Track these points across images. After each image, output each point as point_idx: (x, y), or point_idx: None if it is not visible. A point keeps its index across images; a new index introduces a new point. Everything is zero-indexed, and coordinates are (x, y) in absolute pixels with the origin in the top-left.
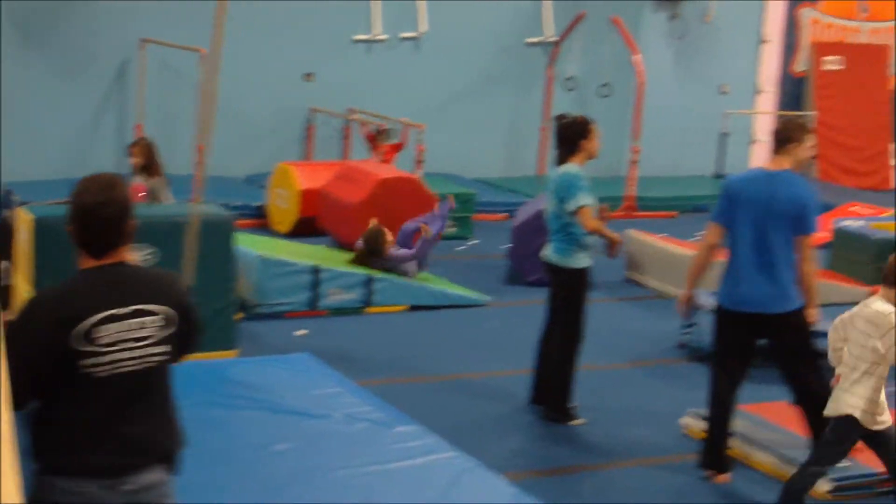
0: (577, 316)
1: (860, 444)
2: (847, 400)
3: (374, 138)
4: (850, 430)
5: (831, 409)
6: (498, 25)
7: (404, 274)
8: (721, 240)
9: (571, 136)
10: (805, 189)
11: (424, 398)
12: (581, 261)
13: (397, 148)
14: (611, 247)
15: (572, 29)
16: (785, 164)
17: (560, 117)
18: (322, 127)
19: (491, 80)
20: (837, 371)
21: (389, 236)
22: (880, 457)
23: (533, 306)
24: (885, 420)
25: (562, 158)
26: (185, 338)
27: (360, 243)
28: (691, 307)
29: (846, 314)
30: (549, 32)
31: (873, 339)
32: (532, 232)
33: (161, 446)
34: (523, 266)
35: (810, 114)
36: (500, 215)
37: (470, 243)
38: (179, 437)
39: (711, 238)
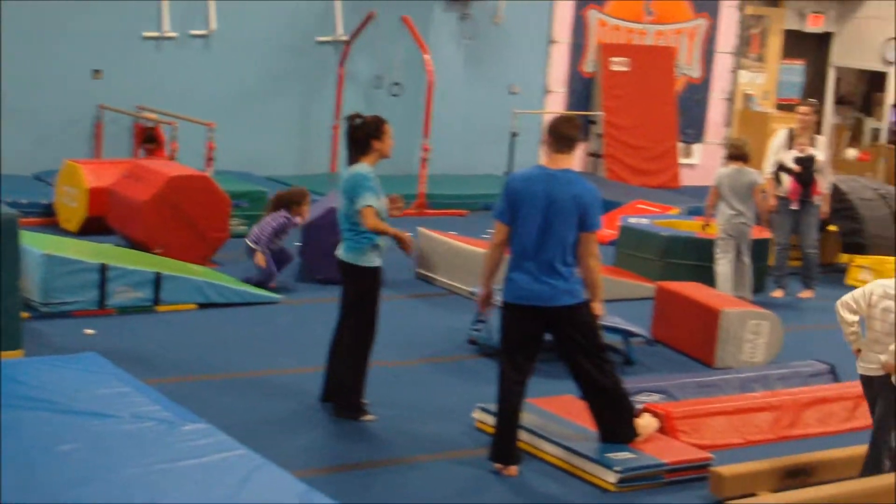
0: (369, 313)
1: (649, 437)
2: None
3: (143, 138)
4: None
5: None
6: (289, 23)
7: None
8: (507, 237)
9: (363, 136)
10: (586, 188)
11: (214, 396)
12: (372, 259)
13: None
14: (402, 246)
15: (363, 28)
16: (565, 163)
17: (352, 117)
18: (111, 125)
19: (282, 78)
20: (855, 346)
21: (305, 209)
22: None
23: (325, 304)
24: None
25: (353, 158)
26: None
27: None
28: (491, 304)
29: (857, 292)
30: (340, 31)
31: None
32: (323, 230)
33: None
34: (314, 264)
35: (599, 113)
36: None
37: None
38: None
39: (498, 236)
